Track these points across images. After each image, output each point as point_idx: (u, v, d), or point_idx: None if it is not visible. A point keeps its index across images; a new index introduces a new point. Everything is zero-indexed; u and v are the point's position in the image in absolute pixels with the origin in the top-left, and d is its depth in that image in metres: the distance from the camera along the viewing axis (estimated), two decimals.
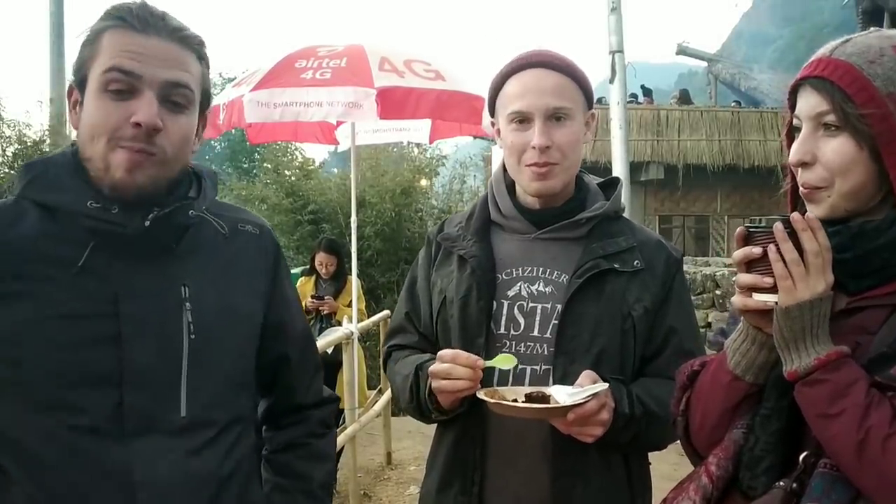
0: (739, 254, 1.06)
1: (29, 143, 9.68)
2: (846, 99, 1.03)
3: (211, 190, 1.26)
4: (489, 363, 1.41)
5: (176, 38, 1.14)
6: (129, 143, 1.09)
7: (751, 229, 1.06)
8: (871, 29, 1.13)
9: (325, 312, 5.38)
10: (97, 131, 1.10)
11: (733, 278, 1.12)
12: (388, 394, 5.64)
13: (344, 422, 4.92)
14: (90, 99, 1.11)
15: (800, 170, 1.11)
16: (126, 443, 1.09)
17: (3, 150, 9.67)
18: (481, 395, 1.35)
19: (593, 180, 1.64)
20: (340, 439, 4.67)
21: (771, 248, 1.03)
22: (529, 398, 1.34)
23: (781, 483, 1.03)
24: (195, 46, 1.18)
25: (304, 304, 5.31)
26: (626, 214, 1.62)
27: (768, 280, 1.03)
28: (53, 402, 1.08)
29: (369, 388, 5.76)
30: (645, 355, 1.51)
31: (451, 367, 1.40)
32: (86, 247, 1.10)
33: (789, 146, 1.16)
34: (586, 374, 1.37)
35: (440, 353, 1.44)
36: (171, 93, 1.12)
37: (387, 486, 5.33)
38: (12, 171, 9.29)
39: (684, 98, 19.55)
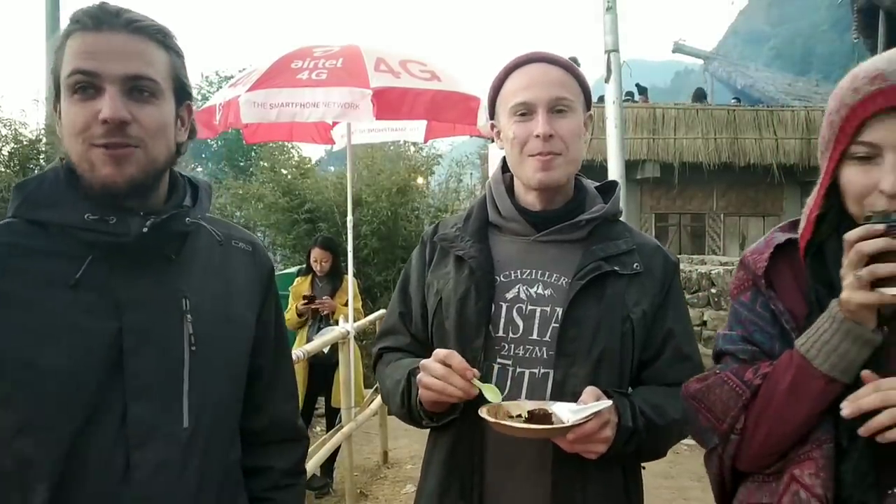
0: (876, 244, 1.03)
1: (25, 142, 9.65)
2: None
3: (206, 200, 1.27)
4: (478, 384, 1.37)
5: (131, 29, 1.12)
6: (102, 139, 1.09)
7: (891, 225, 1.03)
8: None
9: (325, 313, 5.38)
10: (72, 133, 1.11)
11: (858, 272, 1.05)
12: None
13: (340, 421, 4.94)
14: (63, 105, 1.12)
15: (886, 199, 1.09)
16: (130, 454, 1.10)
17: (0, 149, 9.64)
18: (483, 413, 1.33)
19: (591, 184, 1.64)
20: (337, 438, 4.69)
21: None
22: (531, 416, 1.34)
23: None
24: (155, 36, 1.16)
25: (297, 304, 5.33)
26: (622, 213, 1.63)
27: None
28: (57, 415, 1.07)
29: (366, 386, 5.76)
30: (643, 359, 1.50)
31: (446, 378, 1.36)
32: (83, 261, 1.11)
33: (831, 172, 1.16)
34: (589, 391, 1.36)
35: (436, 351, 1.41)
36: (133, 85, 1.12)
37: (383, 485, 5.35)
38: (9, 170, 9.26)
39: (699, 97, 19.74)
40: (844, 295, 1.08)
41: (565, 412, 1.32)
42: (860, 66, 1.15)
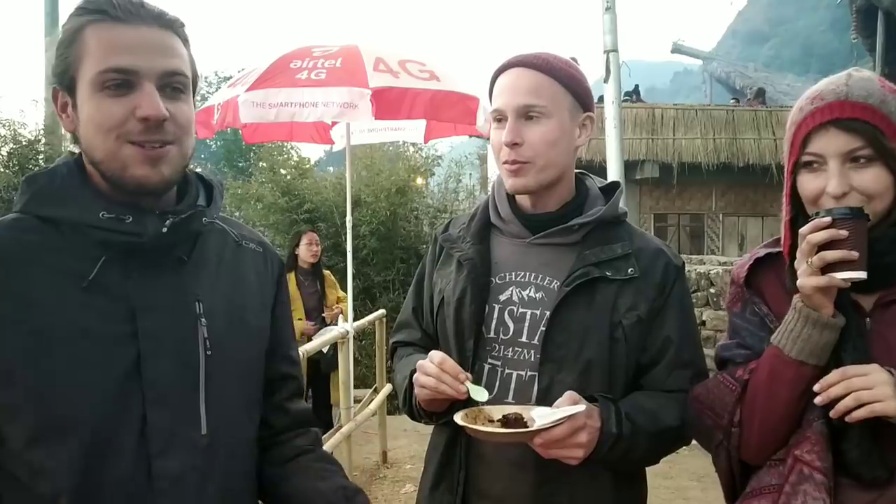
0: (822, 235, 1.17)
1: (24, 143, 9.63)
2: (882, 135, 1.20)
3: (220, 198, 1.24)
4: (469, 385, 1.38)
5: (161, 24, 1.09)
6: (139, 137, 1.05)
7: (835, 217, 1.18)
8: (851, 72, 1.27)
9: (331, 322, 5.48)
10: (103, 129, 1.05)
11: (809, 260, 1.19)
12: (383, 393, 5.66)
13: (339, 420, 4.93)
14: (87, 100, 1.06)
15: (833, 200, 1.23)
16: (151, 463, 1.06)
17: None
18: (458, 419, 1.34)
19: (596, 184, 1.61)
20: (336, 438, 4.68)
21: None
22: (506, 420, 1.33)
23: None
24: (179, 29, 1.13)
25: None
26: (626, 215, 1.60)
27: (855, 253, 1.16)
28: (71, 425, 1.02)
29: (365, 386, 5.78)
30: (641, 363, 1.48)
31: (438, 377, 1.38)
32: (97, 261, 1.06)
33: (791, 180, 1.32)
34: (567, 396, 1.34)
35: (431, 353, 1.43)
36: (168, 81, 1.08)
37: (382, 485, 5.34)
38: (8, 171, 9.24)
39: (761, 95, 19.81)
40: (799, 281, 1.22)
41: (539, 416, 1.32)
42: (807, 90, 1.32)
